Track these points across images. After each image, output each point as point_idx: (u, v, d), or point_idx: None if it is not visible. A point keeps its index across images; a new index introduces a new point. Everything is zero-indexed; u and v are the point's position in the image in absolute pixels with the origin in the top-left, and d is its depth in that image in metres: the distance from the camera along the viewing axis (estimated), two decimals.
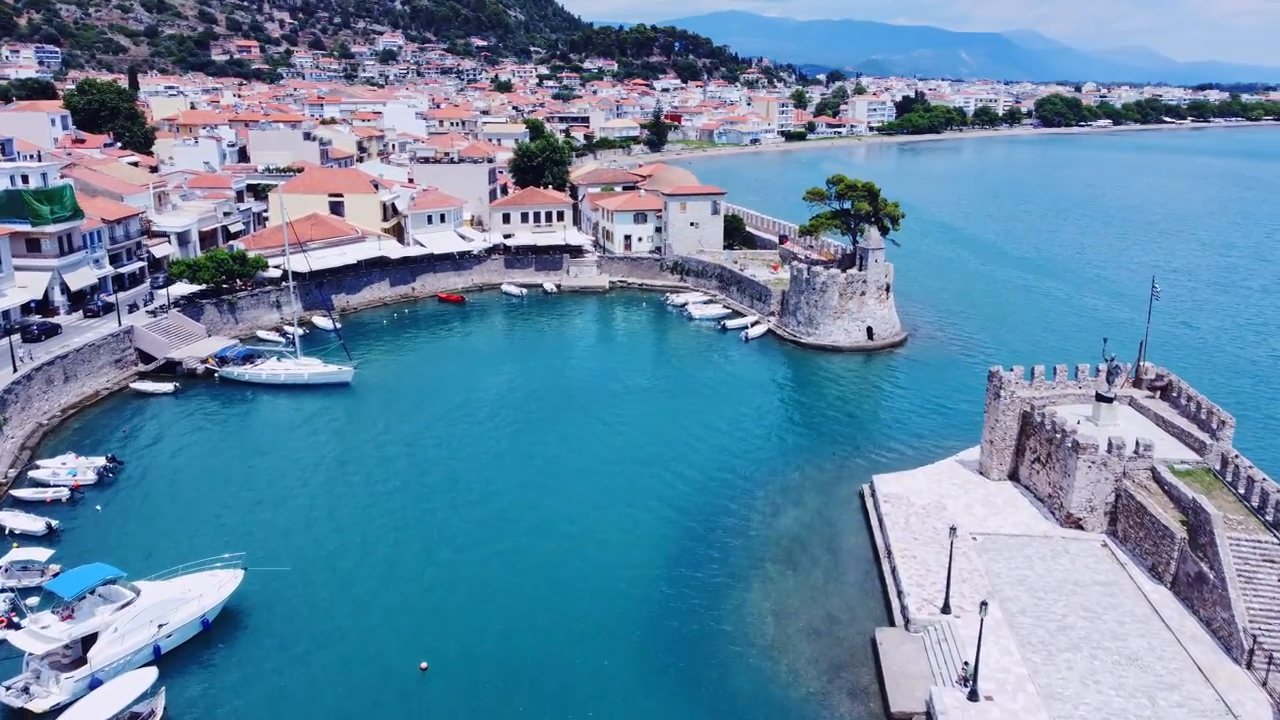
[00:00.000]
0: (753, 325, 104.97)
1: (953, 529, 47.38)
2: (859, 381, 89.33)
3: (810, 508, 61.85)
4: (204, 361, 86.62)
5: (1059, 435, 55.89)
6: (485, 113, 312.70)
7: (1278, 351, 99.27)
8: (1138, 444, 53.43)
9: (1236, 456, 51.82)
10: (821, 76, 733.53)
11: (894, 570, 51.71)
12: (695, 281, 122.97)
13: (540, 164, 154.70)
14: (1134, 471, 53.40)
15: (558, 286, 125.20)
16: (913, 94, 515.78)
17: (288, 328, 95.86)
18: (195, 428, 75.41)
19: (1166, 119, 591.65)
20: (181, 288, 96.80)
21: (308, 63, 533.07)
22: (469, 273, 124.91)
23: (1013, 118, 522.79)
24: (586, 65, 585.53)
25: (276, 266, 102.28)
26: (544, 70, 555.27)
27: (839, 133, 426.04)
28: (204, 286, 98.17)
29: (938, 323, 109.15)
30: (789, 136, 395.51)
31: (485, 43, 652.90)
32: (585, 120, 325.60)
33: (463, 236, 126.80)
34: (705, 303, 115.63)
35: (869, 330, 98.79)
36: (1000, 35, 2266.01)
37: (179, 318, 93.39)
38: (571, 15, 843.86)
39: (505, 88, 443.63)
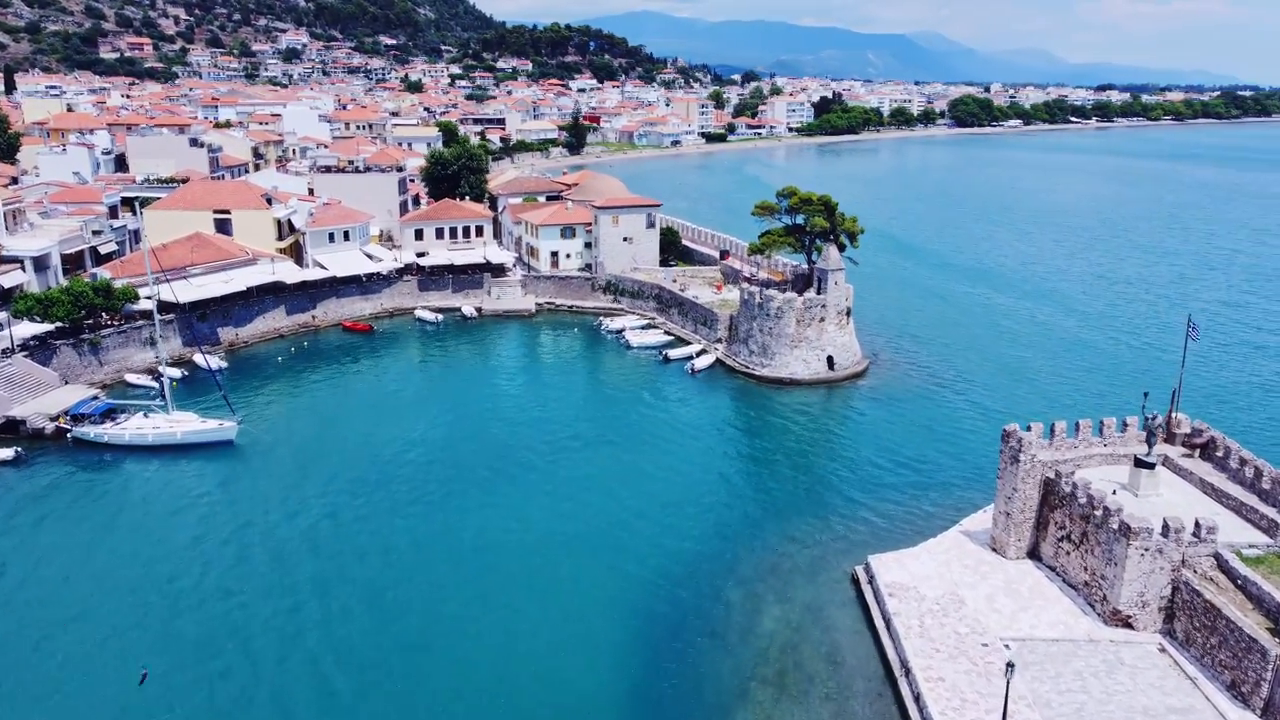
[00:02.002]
0: (698, 355, 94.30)
1: (1010, 665, 37.03)
2: (825, 423, 79.23)
3: (797, 601, 51.13)
4: (54, 419, 72.32)
5: (1099, 513, 46.27)
6: (395, 114, 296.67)
7: (1260, 381, 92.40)
8: (1198, 525, 44.05)
9: None
10: (736, 77, 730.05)
11: (918, 699, 41.30)
12: (630, 303, 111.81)
13: (456, 173, 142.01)
14: (1195, 559, 44.04)
15: (478, 310, 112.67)
16: (829, 95, 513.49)
17: (169, 369, 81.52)
18: (33, 511, 61.12)
19: (1073, 119, 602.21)
20: (29, 327, 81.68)
21: (205, 61, 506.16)
22: (378, 297, 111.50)
23: (927, 118, 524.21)
24: (500, 65, 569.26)
25: (149, 297, 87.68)
26: (456, 70, 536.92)
27: (759, 134, 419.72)
28: (59, 324, 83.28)
29: (896, 345, 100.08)
30: (710, 138, 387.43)
31: (394, 41, 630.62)
32: (501, 122, 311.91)
33: (370, 256, 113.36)
34: (643, 328, 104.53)
35: (829, 360, 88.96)
36: (905, 36, 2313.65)
37: (25, 364, 78.49)
38: (483, 14, 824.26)
39: (416, 88, 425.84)
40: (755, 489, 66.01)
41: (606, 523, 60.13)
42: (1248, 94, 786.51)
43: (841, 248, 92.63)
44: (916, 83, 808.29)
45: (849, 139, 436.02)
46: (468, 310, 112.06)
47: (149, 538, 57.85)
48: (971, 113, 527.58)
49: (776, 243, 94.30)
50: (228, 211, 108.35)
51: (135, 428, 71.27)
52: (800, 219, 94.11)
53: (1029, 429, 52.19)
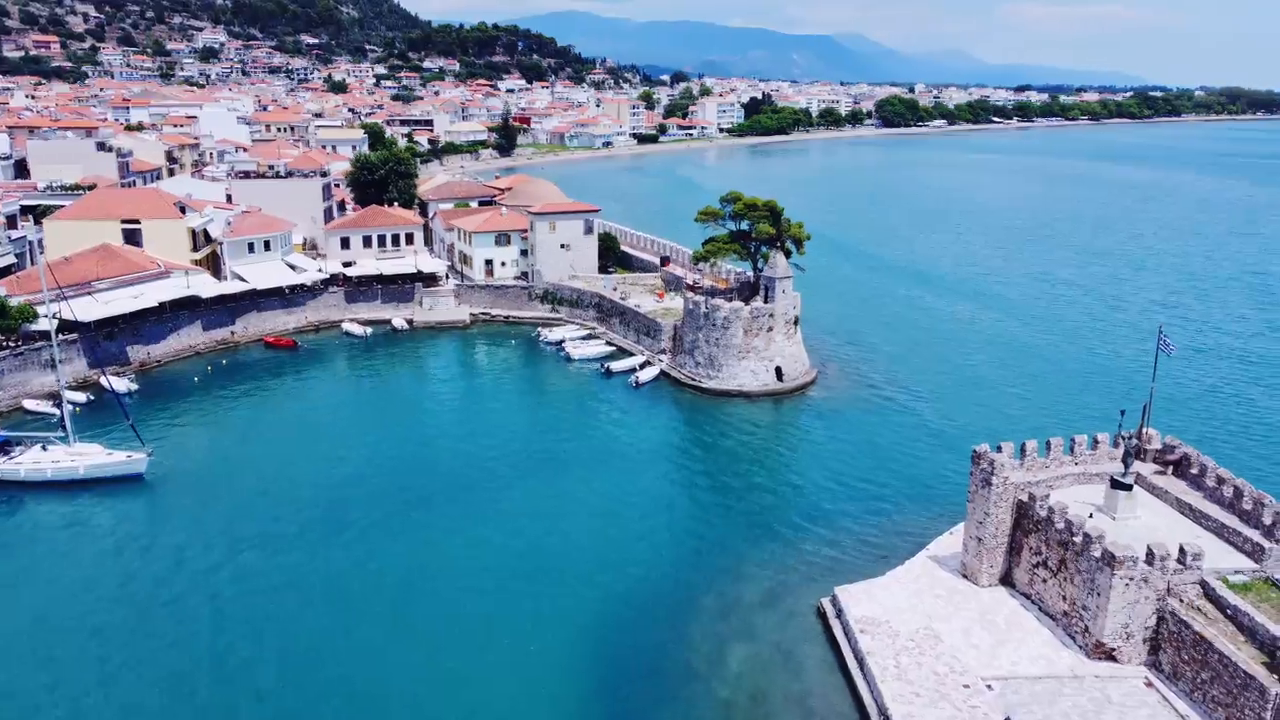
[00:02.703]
0: (642, 367, 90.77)
1: None
2: (777, 440, 76.34)
3: (763, 639, 47.84)
4: None
5: (1079, 539, 43.88)
6: (318, 115, 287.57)
7: (1207, 385, 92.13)
8: (1183, 552, 41.88)
9: None
10: (665, 77, 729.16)
11: None
12: (570, 312, 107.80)
13: (383, 177, 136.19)
14: (1180, 588, 41.87)
15: (409, 322, 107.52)
16: (759, 95, 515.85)
17: (71, 394, 75.23)
18: None
19: (995, 119, 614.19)
20: None
21: (117, 60, 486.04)
22: (302, 310, 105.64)
23: (855, 118, 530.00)
24: (427, 65, 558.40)
25: (51, 316, 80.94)
26: (381, 70, 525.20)
27: (690, 134, 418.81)
28: None
29: (843, 353, 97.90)
30: (641, 139, 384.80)
31: (316, 41, 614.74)
32: (429, 123, 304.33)
33: (293, 267, 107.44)
34: (584, 339, 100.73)
35: (778, 371, 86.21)
36: (829, 38, 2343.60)
37: None
38: (408, 13, 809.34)
39: (340, 88, 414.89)
40: (709, 514, 62.67)
41: (551, 557, 56.13)
42: (1158, 95, 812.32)
43: (787, 254, 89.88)
44: (842, 83, 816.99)
45: (779, 139, 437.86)
46: (398, 322, 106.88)
47: (43, 587, 52.20)
48: (898, 113, 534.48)
49: (722, 250, 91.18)
50: (137, 221, 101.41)
51: (32, 462, 65.03)
52: (745, 225, 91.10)
53: (999, 449, 49.69)
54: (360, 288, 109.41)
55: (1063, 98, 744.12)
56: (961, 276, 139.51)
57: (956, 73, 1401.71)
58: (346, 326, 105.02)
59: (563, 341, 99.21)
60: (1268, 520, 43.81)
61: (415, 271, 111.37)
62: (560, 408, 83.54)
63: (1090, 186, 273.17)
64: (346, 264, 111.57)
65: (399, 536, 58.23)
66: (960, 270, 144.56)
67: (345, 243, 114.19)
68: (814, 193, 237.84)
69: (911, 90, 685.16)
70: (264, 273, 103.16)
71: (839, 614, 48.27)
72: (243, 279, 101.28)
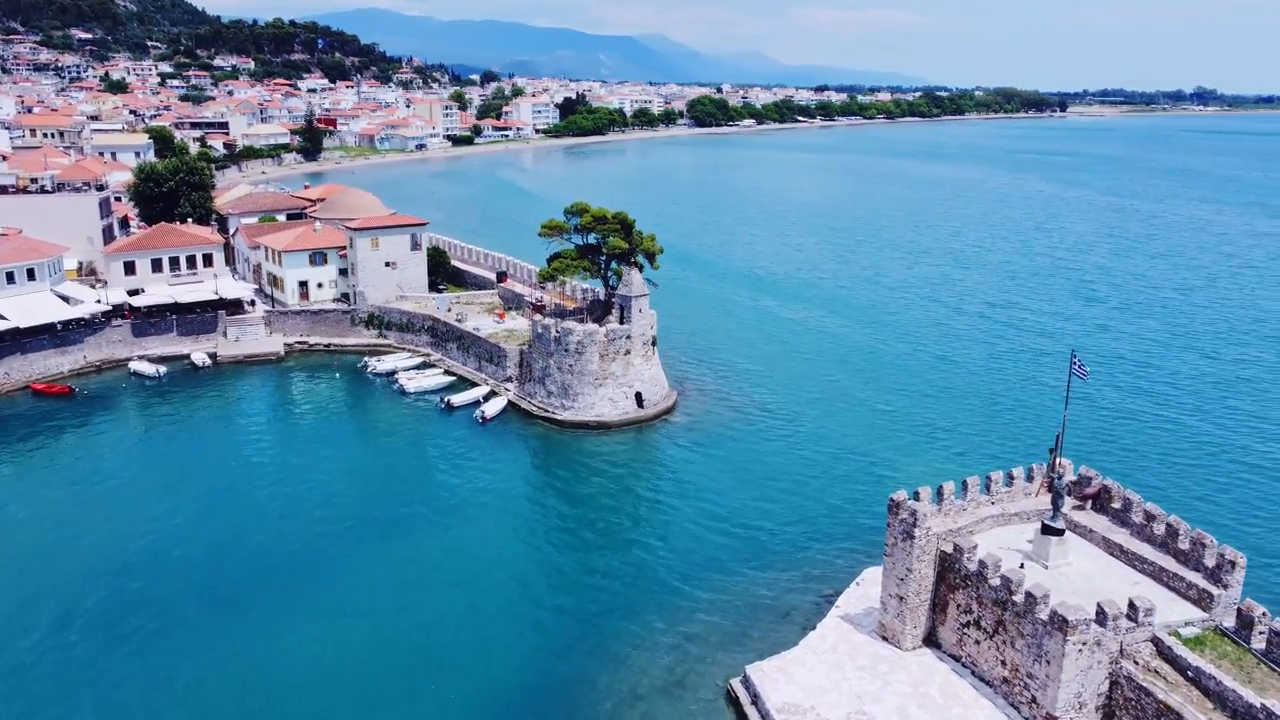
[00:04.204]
0: (487, 399, 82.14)
1: None
2: (645, 477, 69.44)
3: None
4: None
5: (1020, 599, 39.10)
6: (94, 118, 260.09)
7: (1057, 396, 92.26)
8: (1133, 606, 37.71)
9: (1265, 615, 37.58)
10: (475, 77, 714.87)
11: None
12: (400, 338, 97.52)
13: (174, 189, 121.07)
14: (1133, 647, 37.73)
15: (212, 357, 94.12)
16: (573, 96, 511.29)
17: None
18: None
19: (800, 118, 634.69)
20: None
21: None
22: (79, 348, 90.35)
23: (669, 118, 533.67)
24: (218, 63, 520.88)
25: None
26: (167, 68, 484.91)
27: (507, 136, 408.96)
28: None
29: (698, 371, 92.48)
30: (456, 141, 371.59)
31: (90, 35, 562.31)
32: (224, 126, 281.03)
33: (65, 298, 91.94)
34: (418, 368, 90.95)
35: (638, 397, 79.52)
36: (633, 38, 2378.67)
37: None
38: (194, 7, 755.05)
39: (120, 87, 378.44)
40: (583, 576, 55.01)
41: (401, 652, 46.93)
42: (944, 94, 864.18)
43: (640, 269, 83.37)
44: (651, 83, 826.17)
45: (596, 140, 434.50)
46: (199, 358, 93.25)
47: None
48: (709, 113, 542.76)
49: (570, 267, 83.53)
50: None
51: None
52: (593, 238, 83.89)
53: (917, 495, 44.59)
54: (151, 319, 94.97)
55: (860, 97, 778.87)
56: (801, 282, 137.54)
57: (755, 73, 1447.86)
58: (135, 365, 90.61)
59: (395, 372, 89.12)
60: (1210, 562, 40.36)
61: (216, 298, 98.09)
62: (398, 453, 73.65)
63: (900, 184, 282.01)
64: (133, 292, 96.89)
65: (204, 641, 47.53)
66: (799, 275, 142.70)
67: (130, 267, 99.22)
68: (636, 194, 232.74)
69: (719, 90, 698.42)
70: (28, 306, 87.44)
71: (754, 700, 41.85)
72: (1, 315, 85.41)
